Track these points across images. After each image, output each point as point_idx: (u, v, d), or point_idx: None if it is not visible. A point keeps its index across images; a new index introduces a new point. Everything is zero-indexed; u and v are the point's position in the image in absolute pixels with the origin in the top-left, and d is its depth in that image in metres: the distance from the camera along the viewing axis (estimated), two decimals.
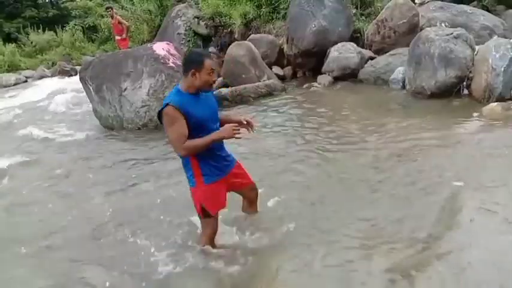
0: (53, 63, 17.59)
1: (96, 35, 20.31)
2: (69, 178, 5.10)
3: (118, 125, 6.86)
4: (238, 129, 2.72)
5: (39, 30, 20.15)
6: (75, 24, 21.05)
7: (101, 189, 4.54)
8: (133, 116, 6.64)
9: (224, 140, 2.88)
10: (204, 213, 2.92)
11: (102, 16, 20.07)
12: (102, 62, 7.32)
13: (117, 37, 11.40)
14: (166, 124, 2.65)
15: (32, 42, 19.60)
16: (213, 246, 3.05)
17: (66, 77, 14.52)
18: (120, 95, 6.76)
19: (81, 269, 3.14)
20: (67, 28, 20.61)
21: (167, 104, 2.64)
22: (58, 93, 11.04)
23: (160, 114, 2.69)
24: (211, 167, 2.85)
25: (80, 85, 7.49)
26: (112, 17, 11.34)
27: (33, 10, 24.26)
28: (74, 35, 19.98)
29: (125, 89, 6.74)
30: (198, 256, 3.02)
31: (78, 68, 12.13)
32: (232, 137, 2.68)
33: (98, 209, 4.06)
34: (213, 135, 2.70)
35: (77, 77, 7.90)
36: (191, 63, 2.70)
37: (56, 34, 20.05)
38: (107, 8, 11.93)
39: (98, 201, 4.26)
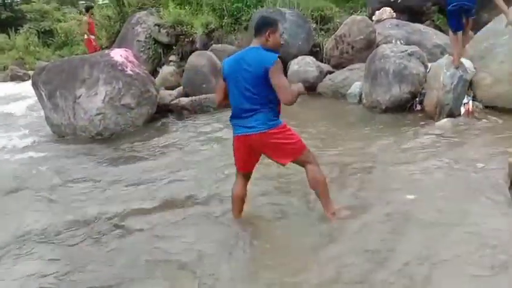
0: (4, 67, 16.84)
1: (52, 40, 19.66)
2: None
3: (71, 133, 6.60)
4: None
5: None
6: (30, 28, 20.32)
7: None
8: (88, 124, 6.42)
9: None
10: (298, 153, 3.10)
11: (59, 20, 19.52)
12: (56, 67, 7.06)
13: (92, 36, 11.37)
14: (279, 73, 2.90)
15: None
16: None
17: (19, 82, 13.91)
18: (74, 102, 6.52)
19: None
20: (21, 31, 19.85)
21: (279, 57, 2.92)
22: (9, 98, 10.58)
23: (266, 69, 2.88)
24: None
25: (33, 91, 7.18)
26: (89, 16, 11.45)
27: None
28: (28, 38, 19.28)
29: (80, 96, 6.51)
30: None
31: (31, 73, 11.65)
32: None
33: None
34: (297, 88, 3.07)
35: (29, 82, 7.57)
36: (268, 24, 3.02)
37: (9, 37, 19.27)
38: (89, 8, 12.03)
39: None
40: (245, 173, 3.28)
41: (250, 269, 2.92)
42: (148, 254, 3.11)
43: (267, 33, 2.98)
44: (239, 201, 3.32)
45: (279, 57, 2.96)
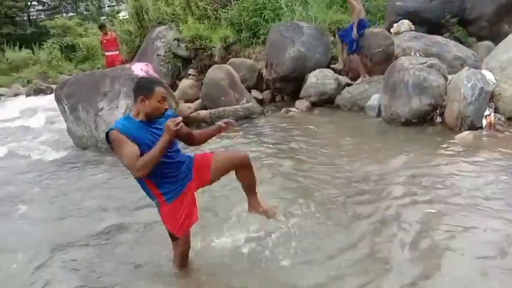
0: (28, 81, 17.29)
1: (74, 54, 20.15)
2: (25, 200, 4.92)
3: (92, 145, 6.72)
4: (177, 121, 2.51)
5: (15, 48, 19.87)
6: (53, 43, 20.87)
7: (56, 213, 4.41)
8: None
9: (178, 146, 2.84)
10: (171, 235, 2.84)
11: (81, 35, 19.99)
12: (78, 81, 7.23)
13: (113, 52, 11.57)
14: (116, 149, 2.57)
15: (7, 60, 19.28)
16: (186, 265, 2.97)
17: (42, 96, 14.26)
18: (96, 115, 6.65)
19: None
20: (44, 46, 20.40)
21: (112, 130, 2.58)
22: (32, 111, 10.85)
23: (108, 141, 2.63)
24: (168, 183, 2.74)
25: (55, 104, 7.35)
26: (106, 33, 11.66)
27: (10, 27, 23.99)
28: (51, 53, 19.79)
29: (101, 109, 6.64)
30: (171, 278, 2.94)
31: (54, 86, 11.95)
32: (176, 131, 2.51)
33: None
34: (160, 141, 2.52)
35: (52, 96, 7.76)
36: (140, 89, 2.66)
37: (33, 52, 19.82)
38: (101, 26, 12.33)
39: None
40: None
41: None
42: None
43: (139, 100, 2.63)
44: None
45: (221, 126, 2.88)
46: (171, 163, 2.74)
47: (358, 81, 7.64)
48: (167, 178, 2.74)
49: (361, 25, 7.45)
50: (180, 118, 2.56)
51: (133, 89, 2.73)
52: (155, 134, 2.64)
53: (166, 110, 2.69)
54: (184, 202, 2.81)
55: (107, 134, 2.61)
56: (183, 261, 2.95)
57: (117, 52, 11.54)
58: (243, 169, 3.07)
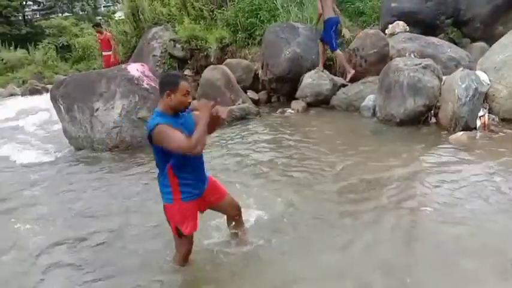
0: (23, 81, 17.21)
1: (69, 54, 20.09)
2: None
3: (88, 145, 6.71)
4: (209, 103, 2.70)
5: (10, 48, 19.78)
6: (49, 43, 20.80)
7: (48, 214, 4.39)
8: (104, 137, 6.52)
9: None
10: (179, 233, 2.90)
11: (77, 35, 19.94)
12: (74, 81, 7.21)
13: (107, 53, 11.57)
14: (164, 139, 2.64)
15: (2, 60, 19.19)
16: (187, 263, 3.04)
17: (37, 96, 14.20)
18: (91, 115, 6.64)
19: None
20: (40, 46, 20.32)
21: (157, 124, 2.64)
22: (27, 111, 10.80)
23: (150, 138, 2.71)
24: (189, 186, 2.86)
25: (51, 104, 7.33)
26: (101, 33, 11.64)
27: (5, 27, 23.88)
28: (46, 53, 19.71)
29: (97, 109, 6.63)
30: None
31: (49, 86, 11.91)
32: (210, 109, 2.68)
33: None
34: (202, 120, 2.65)
35: (48, 96, 7.74)
36: (166, 84, 2.75)
37: (28, 52, 19.73)
38: (97, 25, 12.31)
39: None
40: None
41: None
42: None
43: (165, 95, 2.73)
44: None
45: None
46: (197, 159, 2.87)
47: (347, 78, 7.83)
48: (190, 181, 2.86)
49: (330, 24, 7.80)
50: (210, 102, 2.72)
51: (159, 84, 2.84)
52: (183, 127, 2.74)
53: (189, 103, 2.79)
54: (195, 207, 2.95)
55: (150, 132, 2.67)
56: (185, 258, 3.03)
57: (109, 53, 11.51)
58: (238, 218, 3.23)
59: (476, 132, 5.48)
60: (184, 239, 2.93)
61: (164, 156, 2.75)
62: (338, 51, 8.03)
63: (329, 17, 7.87)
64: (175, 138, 2.62)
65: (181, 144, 2.61)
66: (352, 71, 7.76)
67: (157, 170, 2.89)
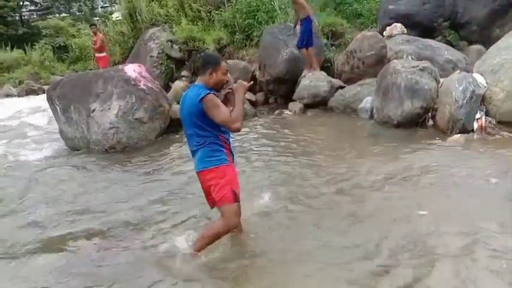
0: (20, 81, 17.12)
1: (66, 55, 20.00)
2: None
3: (84, 146, 6.68)
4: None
5: (7, 48, 19.70)
6: (46, 43, 20.72)
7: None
8: (101, 138, 6.50)
9: None
10: (236, 197, 2.98)
11: (74, 36, 19.87)
12: (71, 81, 7.19)
13: (98, 54, 11.65)
14: (214, 107, 2.85)
15: None
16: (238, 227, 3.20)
17: (34, 96, 14.13)
18: (88, 116, 6.61)
19: None
20: (37, 47, 20.23)
21: (209, 93, 2.86)
22: (23, 112, 10.75)
23: (195, 108, 2.88)
24: (232, 155, 3.12)
25: (47, 105, 7.30)
26: (95, 33, 11.70)
27: (1, 27, 23.78)
28: (43, 53, 19.61)
29: (93, 110, 6.61)
30: None
31: (46, 87, 11.86)
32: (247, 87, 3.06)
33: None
34: (237, 98, 2.96)
35: (44, 97, 7.70)
36: (209, 63, 2.99)
37: (25, 52, 19.64)
38: (92, 25, 12.44)
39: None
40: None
41: None
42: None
43: (208, 72, 2.96)
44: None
45: (228, 92, 3.07)
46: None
47: (308, 71, 8.02)
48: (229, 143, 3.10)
49: (309, 21, 7.90)
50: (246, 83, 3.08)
51: (202, 62, 3.08)
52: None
53: (226, 82, 3.04)
54: (234, 170, 3.13)
55: (202, 100, 2.84)
56: (235, 224, 3.08)
57: (102, 54, 11.58)
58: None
59: (473, 134, 5.49)
60: (238, 205, 3.00)
61: (217, 125, 2.93)
62: (313, 48, 8.05)
63: (308, 15, 7.90)
64: (224, 110, 2.87)
65: (227, 119, 2.85)
66: (317, 69, 8.03)
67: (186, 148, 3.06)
